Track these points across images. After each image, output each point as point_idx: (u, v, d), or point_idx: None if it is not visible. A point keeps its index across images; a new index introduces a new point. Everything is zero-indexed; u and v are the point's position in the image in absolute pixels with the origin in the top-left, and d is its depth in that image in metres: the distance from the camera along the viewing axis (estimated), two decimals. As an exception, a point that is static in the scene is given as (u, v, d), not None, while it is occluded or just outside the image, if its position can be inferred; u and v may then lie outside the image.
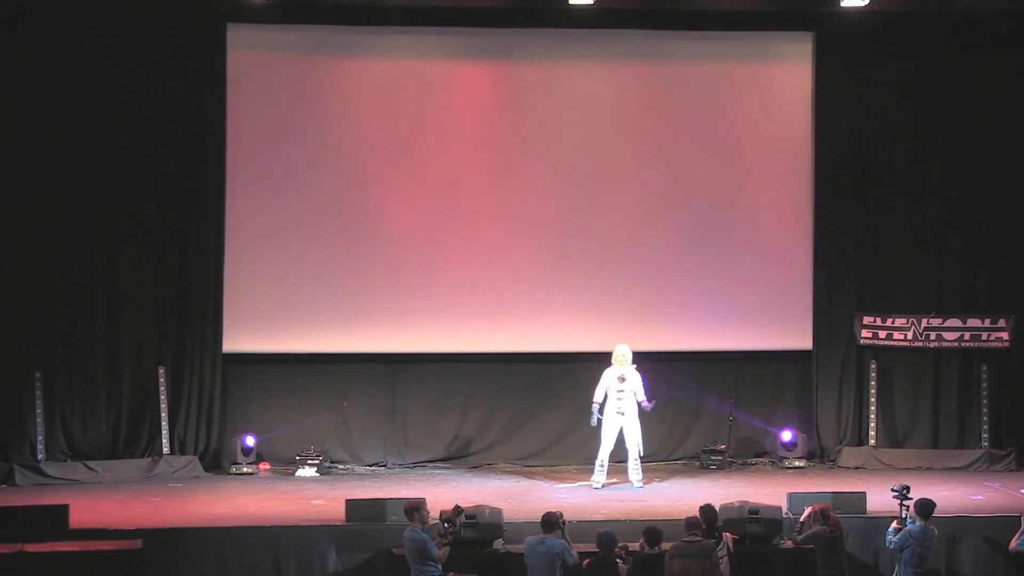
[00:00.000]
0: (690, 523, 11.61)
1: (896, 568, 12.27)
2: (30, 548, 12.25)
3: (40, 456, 16.16)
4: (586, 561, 11.52)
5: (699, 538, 11.46)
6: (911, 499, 12.38)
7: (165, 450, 16.63)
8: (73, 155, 16.51)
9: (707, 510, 11.97)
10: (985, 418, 17.27)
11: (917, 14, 17.11)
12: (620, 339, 16.43)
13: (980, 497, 15.07)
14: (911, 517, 12.27)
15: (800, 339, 17.66)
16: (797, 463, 17.22)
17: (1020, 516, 12.96)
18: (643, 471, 15.67)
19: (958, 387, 17.61)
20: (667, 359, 17.38)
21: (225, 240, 16.95)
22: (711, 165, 17.59)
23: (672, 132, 17.60)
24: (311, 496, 15.09)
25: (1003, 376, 17.50)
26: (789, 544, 12.69)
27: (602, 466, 15.52)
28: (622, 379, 15.49)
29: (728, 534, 12.14)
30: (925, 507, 12.18)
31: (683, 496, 14.78)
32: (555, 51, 17.43)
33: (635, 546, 11.72)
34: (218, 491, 15.62)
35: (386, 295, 17.21)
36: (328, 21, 17.16)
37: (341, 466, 17.18)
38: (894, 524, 12.31)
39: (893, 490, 12.53)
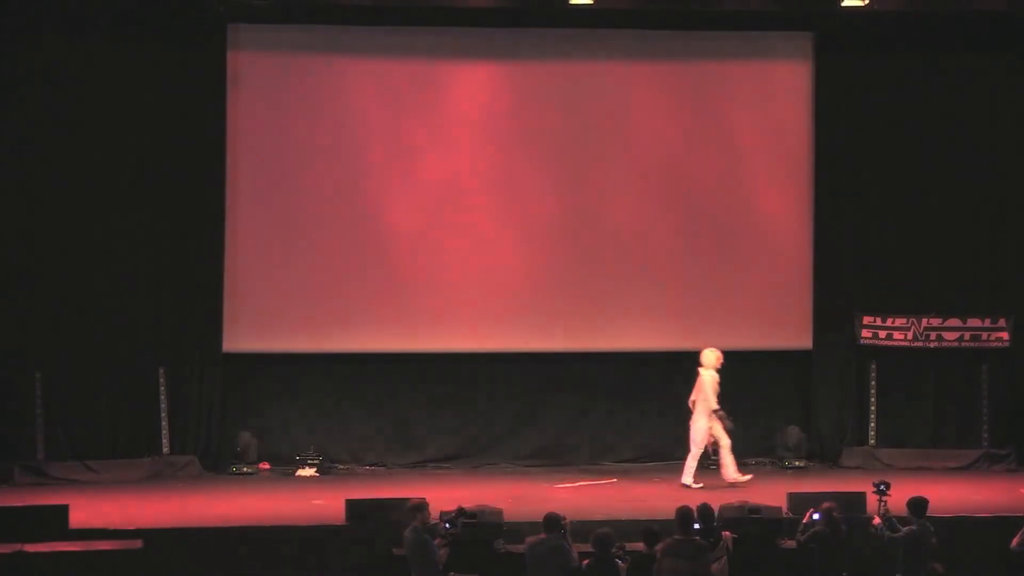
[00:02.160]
0: (680, 516, 11.50)
1: (898, 568, 12.26)
2: (30, 548, 12.26)
3: (40, 456, 16.17)
4: (585, 562, 11.51)
5: (692, 537, 11.39)
6: (889, 495, 12.40)
7: (165, 450, 16.63)
8: (73, 155, 16.51)
9: (703, 509, 11.96)
10: (985, 418, 17.28)
11: (917, 14, 17.11)
12: (620, 338, 16.56)
13: (980, 497, 15.07)
14: (887, 515, 12.27)
15: (800, 339, 17.66)
16: (797, 463, 17.23)
17: None
18: (647, 472, 15.70)
19: (958, 387, 17.61)
20: (667, 359, 17.40)
21: (225, 240, 16.95)
22: (711, 165, 17.59)
23: (671, 131, 17.58)
24: (311, 496, 15.09)
25: (1003, 376, 17.49)
26: (789, 544, 12.69)
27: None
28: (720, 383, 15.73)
29: (727, 533, 12.13)
30: (919, 505, 12.18)
31: (683, 496, 14.76)
32: (555, 51, 17.42)
33: (637, 546, 11.71)
34: (218, 491, 15.63)
35: (387, 294, 17.21)
36: (328, 21, 17.16)
37: (341, 466, 17.17)
38: (876, 520, 12.32)
39: (873, 484, 12.53)
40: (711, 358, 15.88)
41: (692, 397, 15.97)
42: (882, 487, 12.44)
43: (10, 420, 16.23)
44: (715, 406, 15.78)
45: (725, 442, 15.84)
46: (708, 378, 15.82)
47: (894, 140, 17.60)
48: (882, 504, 12.41)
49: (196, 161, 16.84)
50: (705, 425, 15.76)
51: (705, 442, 15.77)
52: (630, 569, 11.39)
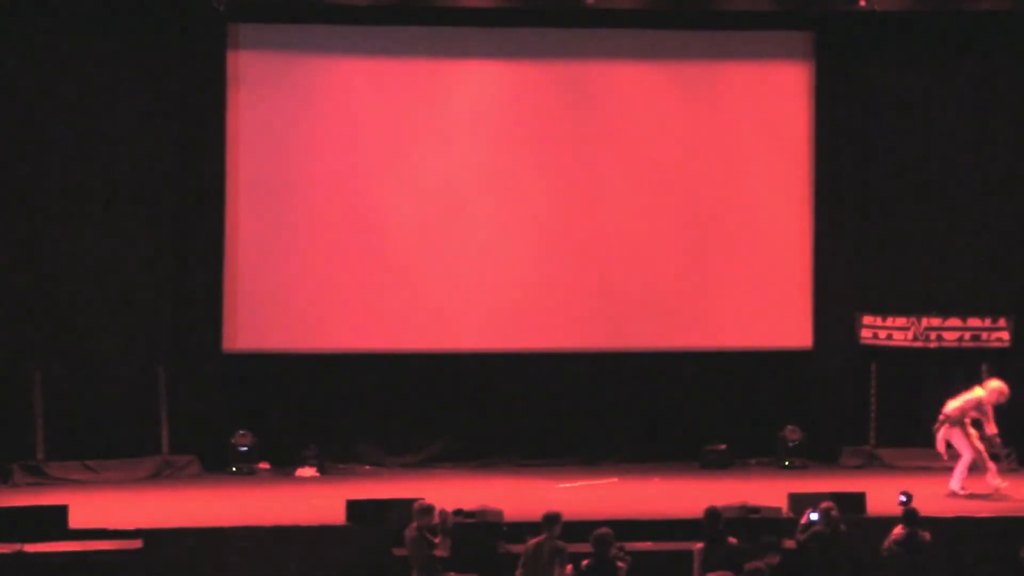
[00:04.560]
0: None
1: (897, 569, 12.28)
2: (30, 548, 12.28)
3: (40, 456, 16.16)
4: (584, 562, 11.50)
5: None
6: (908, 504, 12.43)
7: (165, 450, 16.62)
8: (72, 155, 16.52)
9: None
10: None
11: (918, 13, 17.12)
12: (619, 338, 16.62)
13: (981, 497, 15.07)
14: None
15: (800, 339, 17.67)
16: (797, 463, 17.22)
17: None
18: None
19: (958, 387, 17.56)
20: (667, 359, 17.41)
21: (225, 239, 16.95)
22: (711, 164, 17.60)
23: (671, 130, 17.60)
24: (311, 496, 15.09)
25: (1003, 376, 17.44)
26: (789, 544, 12.69)
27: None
28: None
29: (733, 540, 12.07)
30: (910, 515, 12.17)
31: (683, 496, 14.78)
32: (555, 50, 17.43)
33: (637, 546, 11.71)
34: (218, 491, 15.63)
35: (386, 294, 17.21)
36: (328, 20, 17.15)
37: (341, 466, 17.16)
38: (897, 530, 12.32)
39: (900, 494, 12.56)
40: (989, 386, 15.38)
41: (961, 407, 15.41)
42: (902, 499, 12.47)
43: (10, 420, 16.22)
44: (965, 420, 15.25)
45: (967, 456, 15.30)
46: (977, 395, 15.35)
47: (894, 140, 17.61)
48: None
49: (196, 161, 16.84)
50: (969, 433, 15.30)
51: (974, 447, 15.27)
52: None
